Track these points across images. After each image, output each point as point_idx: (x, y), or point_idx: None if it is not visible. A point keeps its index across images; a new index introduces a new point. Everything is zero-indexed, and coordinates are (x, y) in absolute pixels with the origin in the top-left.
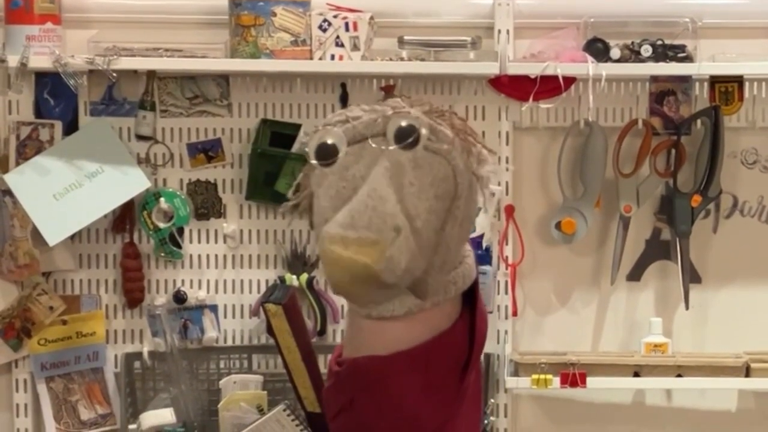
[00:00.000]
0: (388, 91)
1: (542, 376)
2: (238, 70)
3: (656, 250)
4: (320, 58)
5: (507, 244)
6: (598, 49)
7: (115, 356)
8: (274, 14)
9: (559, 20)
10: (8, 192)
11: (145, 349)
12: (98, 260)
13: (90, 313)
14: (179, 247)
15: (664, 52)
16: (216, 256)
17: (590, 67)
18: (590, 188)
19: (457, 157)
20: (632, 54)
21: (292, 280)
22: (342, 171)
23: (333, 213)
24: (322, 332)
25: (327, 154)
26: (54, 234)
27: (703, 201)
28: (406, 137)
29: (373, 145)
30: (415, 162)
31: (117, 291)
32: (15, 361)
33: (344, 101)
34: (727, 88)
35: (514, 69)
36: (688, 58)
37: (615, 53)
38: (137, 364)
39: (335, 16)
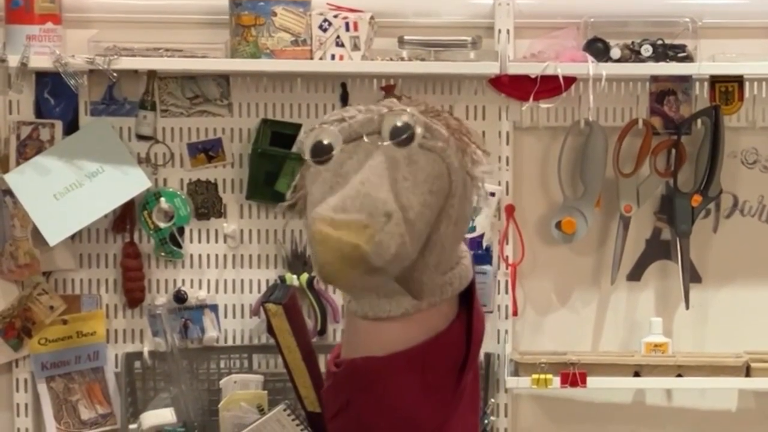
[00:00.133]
0: (389, 90)
1: (542, 376)
2: (239, 70)
3: (656, 250)
4: (320, 58)
5: (507, 243)
6: (598, 48)
7: (116, 356)
8: (275, 14)
9: (560, 20)
10: (9, 192)
11: (146, 349)
12: (99, 260)
13: (90, 313)
14: (180, 246)
15: (665, 52)
16: (216, 255)
17: (590, 67)
18: (590, 188)
19: (452, 156)
20: (632, 54)
21: (292, 279)
22: (336, 168)
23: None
24: (322, 332)
25: (322, 152)
26: (54, 234)
27: (703, 201)
28: (401, 134)
29: (368, 144)
30: (410, 158)
31: (117, 291)
32: (15, 360)
33: (345, 101)
34: (728, 88)
35: (515, 69)
36: (689, 58)
37: (615, 53)
38: (138, 363)
39: (335, 16)
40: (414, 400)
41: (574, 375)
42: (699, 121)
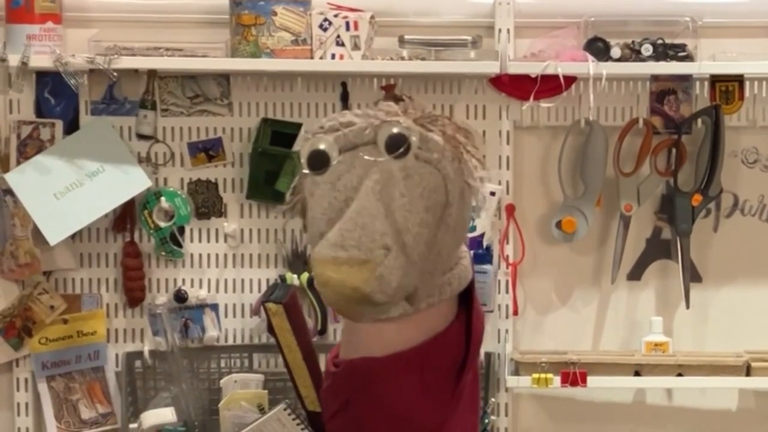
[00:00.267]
0: (389, 90)
1: (543, 375)
2: (239, 70)
3: (657, 249)
4: (321, 58)
5: (508, 243)
6: (598, 48)
7: (116, 355)
8: (275, 13)
9: (560, 19)
10: (9, 191)
11: (146, 348)
12: (99, 259)
13: (91, 312)
14: (180, 246)
15: (665, 52)
16: (217, 255)
17: (591, 67)
18: (591, 187)
19: (448, 166)
20: (633, 53)
21: (292, 279)
22: (334, 181)
23: (326, 226)
24: (322, 331)
25: (319, 162)
26: (55, 233)
27: (703, 200)
28: (397, 147)
29: (365, 157)
30: (406, 172)
31: (118, 290)
32: (16, 360)
33: (345, 100)
34: (728, 87)
35: (515, 68)
36: (689, 58)
37: (615, 52)
38: (138, 363)
39: (336, 16)
40: (413, 401)
41: (574, 374)
42: (699, 120)
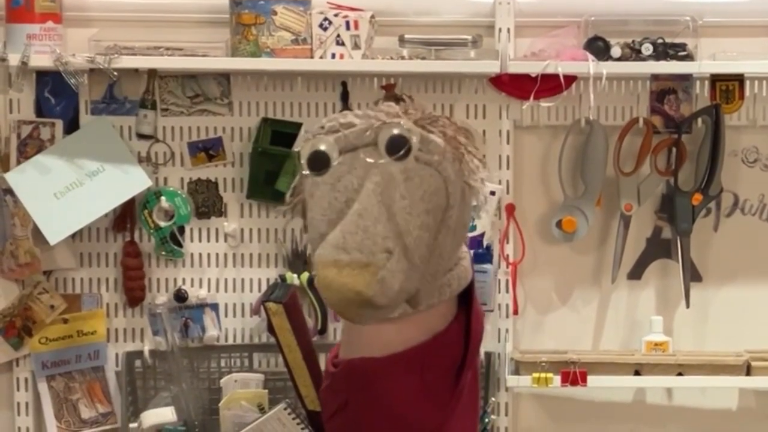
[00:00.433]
0: (389, 89)
1: (543, 375)
2: (239, 69)
3: (657, 249)
4: (321, 57)
5: (508, 242)
6: (598, 47)
7: (116, 355)
8: (275, 13)
9: (560, 19)
10: (9, 191)
11: (146, 348)
12: (99, 259)
13: (91, 312)
14: (180, 245)
15: (665, 51)
16: (217, 254)
17: (591, 66)
18: (591, 187)
19: (448, 168)
20: (633, 52)
21: (292, 278)
22: (334, 182)
23: (326, 227)
24: (322, 331)
25: (319, 163)
26: (55, 233)
27: (703, 199)
28: (398, 149)
29: (366, 159)
30: (407, 174)
31: (118, 290)
32: (16, 359)
33: (345, 100)
34: (728, 87)
35: (515, 67)
36: (689, 57)
37: (616, 52)
38: (138, 362)
39: (336, 15)
40: (412, 401)
41: (574, 374)
42: (699, 119)
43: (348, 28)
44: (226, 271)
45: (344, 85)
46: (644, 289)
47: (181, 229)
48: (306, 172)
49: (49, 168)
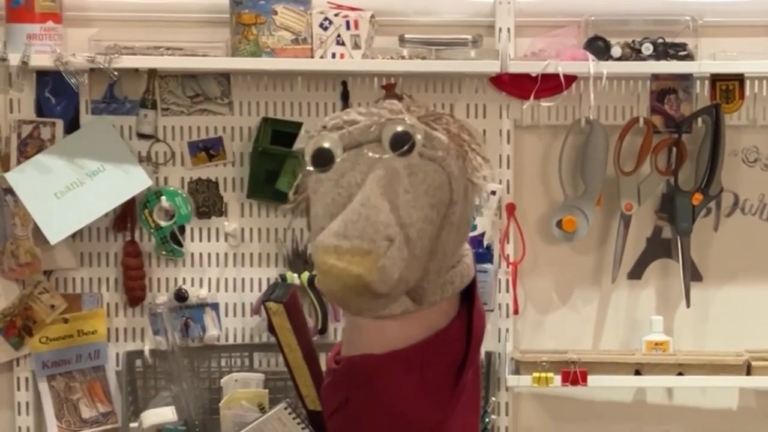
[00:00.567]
0: (389, 89)
1: (543, 375)
2: (239, 69)
3: (657, 249)
4: (321, 57)
5: (508, 242)
6: (599, 47)
7: (117, 354)
8: (275, 12)
9: (560, 18)
10: (9, 190)
11: (147, 348)
12: (99, 259)
13: (91, 312)
14: (180, 245)
15: (665, 51)
16: (217, 254)
17: (591, 66)
18: (591, 186)
19: (452, 164)
20: (633, 52)
21: (293, 278)
22: (338, 178)
23: (328, 221)
24: (323, 330)
25: (323, 160)
26: (55, 232)
27: (704, 199)
28: (402, 145)
29: (369, 154)
30: (410, 169)
31: (118, 289)
32: (16, 359)
33: (345, 99)
34: (728, 86)
35: (515, 67)
36: (689, 57)
37: (616, 51)
38: (138, 362)
39: (336, 15)
40: (413, 398)
41: (574, 373)
42: (700, 119)
43: (348, 27)
44: (226, 271)
45: (344, 84)
46: (644, 289)
47: (182, 229)
48: (310, 168)
49: (49, 168)
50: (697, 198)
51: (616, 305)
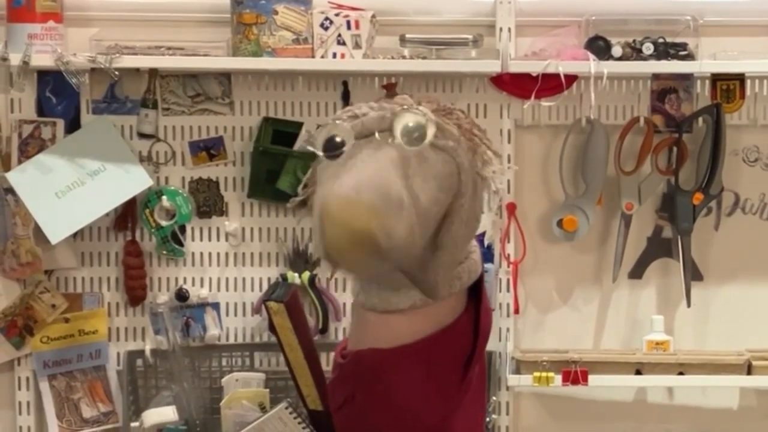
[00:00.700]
0: (390, 89)
1: (544, 374)
2: (240, 69)
3: (658, 248)
4: (322, 57)
5: (509, 241)
6: (599, 47)
7: (118, 354)
8: (276, 12)
9: (561, 18)
10: (10, 190)
11: (148, 347)
12: (100, 258)
13: (92, 311)
14: (181, 245)
15: (666, 50)
16: (218, 254)
17: (592, 65)
18: (592, 186)
19: (462, 156)
20: (634, 52)
21: (294, 277)
22: (347, 159)
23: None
24: (324, 330)
25: (334, 147)
26: (56, 232)
27: (704, 198)
28: (413, 134)
29: (380, 139)
30: (421, 156)
31: (119, 289)
32: (17, 359)
33: (346, 99)
34: (729, 86)
35: (516, 67)
36: (690, 56)
37: (616, 51)
38: (139, 362)
39: (337, 15)
40: (419, 393)
41: (575, 373)
42: (700, 119)
43: (349, 27)
44: (227, 271)
45: (345, 84)
46: (645, 289)
47: (182, 229)
48: (320, 154)
49: (50, 167)
50: (698, 197)
51: (616, 305)
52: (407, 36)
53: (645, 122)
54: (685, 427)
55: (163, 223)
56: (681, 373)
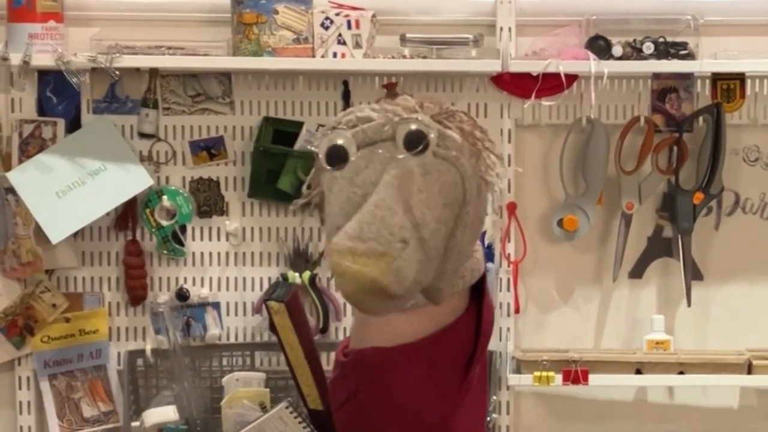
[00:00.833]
0: (390, 88)
1: (544, 374)
2: (241, 68)
3: (658, 247)
4: (322, 56)
5: (509, 241)
6: (600, 46)
7: (118, 354)
8: (276, 12)
9: (561, 18)
10: (11, 190)
11: (148, 347)
12: (101, 258)
13: (93, 311)
14: (182, 244)
15: (666, 50)
16: (218, 253)
17: (592, 65)
18: (592, 185)
19: (466, 163)
20: (634, 51)
21: (294, 277)
22: (352, 176)
23: (343, 220)
24: (324, 330)
25: (337, 158)
26: (57, 232)
27: (705, 198)
28: (416, 144)
29: (384, 154)
30: (424, 168)
31: (120, 288)
32: (18, 358)
33: (346, 99)
34: (729, 86)
35: (516, 66)
36: (690, 56)
37: (617, 51)
38: (140, 361)
39: (337, 14)
40: (420, 392)
41: (575, 372)
42: (701, 118)
43: (349, 27)
44: (227, 270)
45: (346, 84)
46: (645, 288)
47: (183, 228)
48: (324, 166)
49: (50, 167)
50: (698, 197)
51: (617, 304)
52: (408, 35)
53: (645, 122)
54: (686, 426)
55: (164, 222)
56: (681, 373)
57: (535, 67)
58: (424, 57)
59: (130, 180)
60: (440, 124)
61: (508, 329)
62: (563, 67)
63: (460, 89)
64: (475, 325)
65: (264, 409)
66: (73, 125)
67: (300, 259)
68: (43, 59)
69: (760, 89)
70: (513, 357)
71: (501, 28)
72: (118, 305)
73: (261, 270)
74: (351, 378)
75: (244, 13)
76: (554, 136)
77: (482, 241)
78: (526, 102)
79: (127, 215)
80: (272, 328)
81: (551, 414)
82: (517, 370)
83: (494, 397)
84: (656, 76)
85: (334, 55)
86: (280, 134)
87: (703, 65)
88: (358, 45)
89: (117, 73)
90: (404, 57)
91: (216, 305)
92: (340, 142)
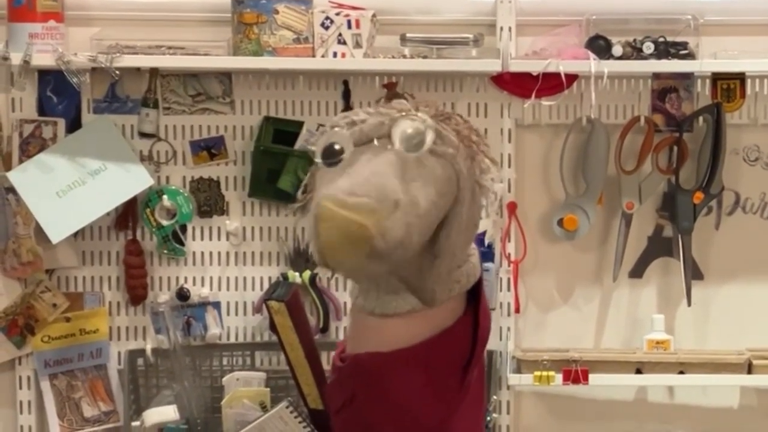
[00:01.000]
0: (390, 88)
1: (544, 373)
2: (241, 68)
3: (658, 247)
4: (322, 56)
5: (509, 241)
6: (600, 46)
7: (119, 353)
8: (277, 12)
9: (561, 17)
10: (11, 189)
11: (149, 346)
12: (101, 257)
13: (93, 311)
14: (182, 244)
15: (666, 50)
16: (219, 253)
17: (592, 65)
18: (592, 185)
19: (461, 163)
20: (634, 51)
21: (294, 277)
22: (346, 166)
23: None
24: (324, 329)
25: (333, 154)
26: (57, 231)
27: (705, 198)
28: (412, 141)
29: (379, 147)
30: (420, 162)
31: (120, 288)
32: (18, 358)
33: (347, 99)
34: (729, 85)
35: (517, 66)
36: (690, 56)
37: (617, 50)
38: (140, 361)
39: (337, 14)
40: (418, 396)
41: (576, 372)
42: (701, 118)
43: (349, 26)
44: (228, 270)
45: (346, 83)
46: (646, 288)
47: (183, 228)
48: (319, 161)
49: (51, 167)
50: (698, 197)
51: (617, 304)
52: (408, 35)
53: (645, 121)
54: (686, 426)
55: (164, 222)
56: (681, 372)
57: (535, 66)
58: (425, 57)
59: (130, 180)
60: (437, 124)
61: (509, 329)
62: (563, 66)
63: (460, 89)
64: (472, 329)
65: (264, 408)
66: (74, 125)
67: (300, 258)
68: (44, 59)
69: (760, 89)
70: (513, 357)
71: (501, 28)
72: (118, 305)
73: (261, 270)
74: (348, 383)
75: (245, 12)
76: (554, 136)
77: (482, 240)
78: (526, 102)
79: (128, 215)
80: (272, 327)
81: (551, 414)
82: (518, 370)
83: (494, 397)
84: (656, 75)
85: (335, 54)
86: (280, 134)
87: (703, 65)
88: (358, 45)
89: (117, 72)
90: (404, 57)
91: (216, 305)
92: (336, 140)
